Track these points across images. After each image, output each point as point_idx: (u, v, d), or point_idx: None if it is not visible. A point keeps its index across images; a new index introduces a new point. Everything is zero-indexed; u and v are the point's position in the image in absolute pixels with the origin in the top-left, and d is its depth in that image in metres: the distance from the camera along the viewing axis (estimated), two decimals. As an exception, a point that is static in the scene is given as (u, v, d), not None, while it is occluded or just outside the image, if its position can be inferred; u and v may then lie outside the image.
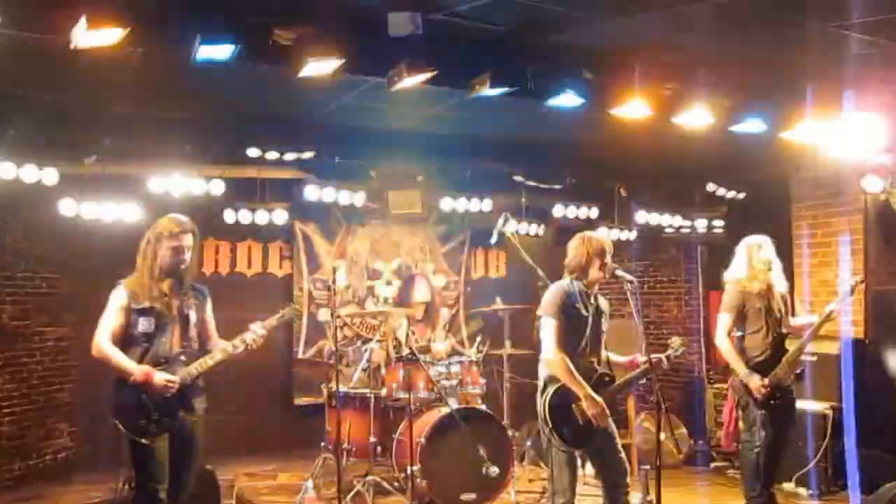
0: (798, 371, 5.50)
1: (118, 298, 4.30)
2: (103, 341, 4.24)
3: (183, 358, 4.34)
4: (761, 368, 5.16)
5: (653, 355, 4.46)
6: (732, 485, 6.83)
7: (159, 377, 4.20)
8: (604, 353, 4.67)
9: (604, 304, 4.72)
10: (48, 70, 5.09)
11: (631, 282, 4.50)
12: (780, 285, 5.35)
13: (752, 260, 5.32)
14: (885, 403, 6.57)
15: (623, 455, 4.59)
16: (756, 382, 5.10)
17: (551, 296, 4.54)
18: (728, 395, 5.81)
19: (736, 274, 5.36)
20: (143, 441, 4.20)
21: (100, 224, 7.12)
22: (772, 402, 5.14)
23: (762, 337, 5.23)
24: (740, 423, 5.47)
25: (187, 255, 4.35)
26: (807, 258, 7.54)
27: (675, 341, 4.73)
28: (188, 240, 4.34)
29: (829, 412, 6.57)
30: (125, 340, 4.27)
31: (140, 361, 4.23)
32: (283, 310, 4.69)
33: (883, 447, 6.40)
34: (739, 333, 5.31)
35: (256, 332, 4.43)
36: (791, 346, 5.29)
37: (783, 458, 5.37)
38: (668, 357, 4.61)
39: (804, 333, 5.31)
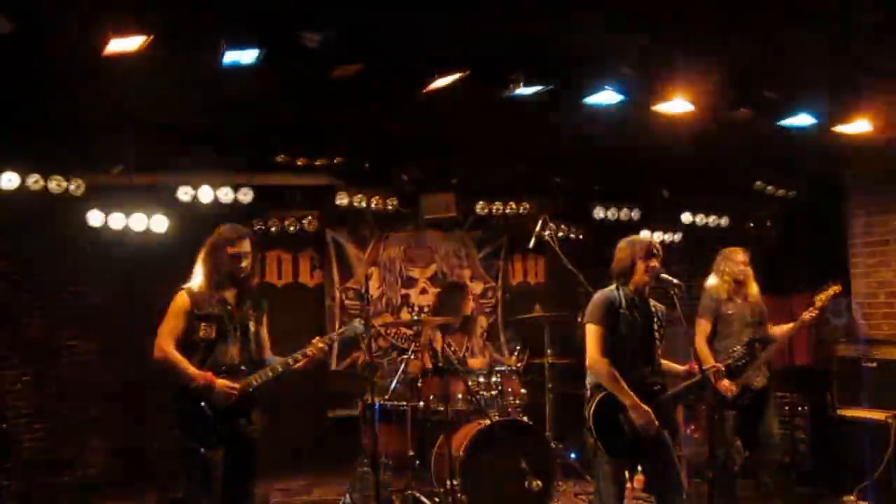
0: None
1: (181, 303, 4.32)
2: (167, 345, 4.24)
3: (243, 368, 4.35)
4: (735, 372, 5.38)
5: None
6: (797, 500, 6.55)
7: (221, 383, 4.21)
8: (657, 361, 4.46)
9: (658, 309, 4.51)
10: (74, 79, 5.00)
11: (678, 286, 4.33)
12: (755, 294, 5.75)
13: (720, 268, 5.80)
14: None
15: (678, 469, 4.41)
16: (725, 384, 5.42)
17: (595, 302, 4.43)
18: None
19: (710, 281, 5.85)
20: (201, 450, 4.17)
21: (127, 235, 7.02)
22: (741, 402, 5.50)
23: (734, 342, 5.45)
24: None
25: (246, 262, 4.40)
26: (863, 257, 7.19)
27: (738, 350, 4.74)
28: (246, 246, 4.40)
29: (892, 421, 6.22)
30: (186, 346, 4.28)
31: (200, 368, 4.24)
32: (345, 326, 4.74)
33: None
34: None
35: (316, 344, 4.50)
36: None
37: (768, 458, 5.76)
38: (727, 366, 4.58)
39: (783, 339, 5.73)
